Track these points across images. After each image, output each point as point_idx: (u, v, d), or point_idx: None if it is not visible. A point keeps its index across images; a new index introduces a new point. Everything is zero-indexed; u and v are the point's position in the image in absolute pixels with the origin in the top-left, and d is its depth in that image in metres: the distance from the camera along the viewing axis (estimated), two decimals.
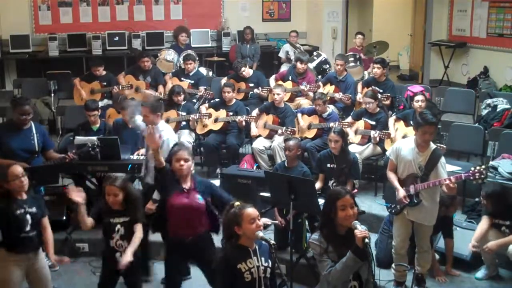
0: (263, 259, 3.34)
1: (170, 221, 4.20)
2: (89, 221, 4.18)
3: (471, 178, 4.28)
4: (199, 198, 4.15)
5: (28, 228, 4.08)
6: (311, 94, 7.53)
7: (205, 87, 7.84)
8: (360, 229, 3.10)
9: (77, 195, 4.10)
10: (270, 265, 3.34)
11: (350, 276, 3.22)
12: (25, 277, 4.20)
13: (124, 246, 4.15)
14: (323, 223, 3.32)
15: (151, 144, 4.25)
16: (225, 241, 3.38)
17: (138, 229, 4.19)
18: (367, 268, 3.19)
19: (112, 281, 4.30)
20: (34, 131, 5.42)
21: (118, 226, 4.18)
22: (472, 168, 4.34)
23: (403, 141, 4.77)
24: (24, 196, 4.13)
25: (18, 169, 4.08)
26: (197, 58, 8.58)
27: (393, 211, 4.71)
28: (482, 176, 4.25)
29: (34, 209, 4.14)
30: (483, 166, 4.32)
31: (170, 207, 4.16)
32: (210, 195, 4.23)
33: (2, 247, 4.09)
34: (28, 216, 4.09)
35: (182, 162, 4.13)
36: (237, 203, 3.45)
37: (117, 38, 10.29)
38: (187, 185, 4.19)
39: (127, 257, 4.03)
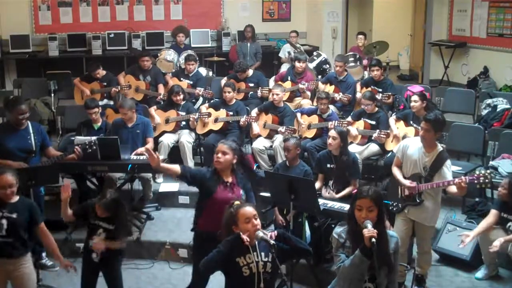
0: (263, 254, 3.35)
1: (210, 216, 4.06)
2: (70, 213, 4.28)
3: (476, 182, 4.29)
4: (242, 194, 4.10)
5: (2, 233, 3.97)
6: (308, 93, 7.54)
7: (203, 88, 7.82)
8: (369, 229, 3.11)
9: (64, 191, 4.20)
10: (270, 260, 3.34)
11: (366, 277, 3.22)
12: (9, 280, 4.15)
13: (101, 250, 4.23)
14: (348, 217, 3.33)
15: (151, 163, 4.18)
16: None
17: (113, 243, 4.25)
18: (384, 272, 3.19)
19: (91, 279, 4.35)
20: (31, 131, 5.41)
21: (101, 230, 4.24)
22: (477, 172, 4.35)
23: (411, 140, 4.79)
24: (13, 200, 4.03)
25: (4, 180, 3.96)
26: (197, 59, 8.58)
27: (394, 209, 4.71)
28: (487, 180, 4.26)
29: (14, 215, 4.00)
30: (488, 171, 4.33)
31: (214, 202, 4.06)
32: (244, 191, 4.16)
33: None
34: (4, 221, 3.97)
35: (219, 155, 4.10)
36: (237, 202, 3.46)
37: (117, 38, 10.29)
38: (228, 179, 4.14)
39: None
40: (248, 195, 4.18)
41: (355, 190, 5.59)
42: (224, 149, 4.11)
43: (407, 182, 4.53)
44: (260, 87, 7.72)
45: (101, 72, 7.77)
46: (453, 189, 4.42)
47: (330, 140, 5.49)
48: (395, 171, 4.69)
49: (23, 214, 4.05)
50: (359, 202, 3.24)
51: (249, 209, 3.35)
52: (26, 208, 4.10)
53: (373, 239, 3.05)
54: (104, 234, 4.24)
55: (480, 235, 4.92)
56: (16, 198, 4.08)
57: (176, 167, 4.21)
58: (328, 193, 5.37)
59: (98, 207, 4.23)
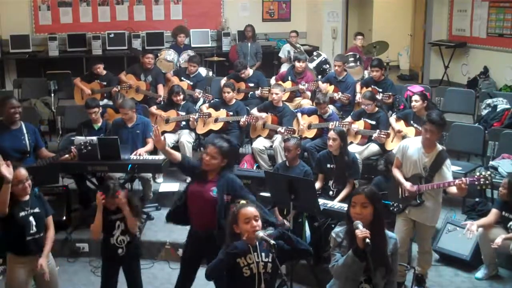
0: (263, 254, 3.35)
1: (190, 211, 4.21)
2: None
3: (476, 183, 4.30)
4: (213, 191, 4.09)
5: (33, 230, 4.02)
6: (308, 93, 7.53)
7: (202, 90, 7.82)
8: (361, 229, 3.10)
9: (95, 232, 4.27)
10: (270, 260, 3.34)
11: (361, 278, 3.21)
12: (34, 277, 4.17)
13: (126, 241, 4.27)
14: (347, 217, 3.33)
15: (156, 144, 4.27)
16: (228, 238, 3.40)
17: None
18: (380, 273, 3.19)
19: (114, 278, 4.38)
20: (24, 131, 5.41)
21: (118, 222, 4.28)
22: (478, 173, 4.36)
23: (410, 140, 4.78)
24: (27, 197, 4.05)
25: (21, 174, 3.98)
26: (200, 61, 8.55)
27: (395, 209, 4.71)
28: (487, 182, 4.26)
29: (37, 210, 4.07)
30: (488, 172, 4.34)
31: (188, 194, 4.20)
32: (232, 193, 4.12)
33: (9, 250, 4.07)
34: (32, 218, 4.02)
35: (207, 158, 4.10)
36: (243, 201, 3.47)
37: (117, 38, 10.29)
38: (210, 177, 4.17)
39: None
40: (239, 197, 4.03)
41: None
42: (214, 153, 4.10)
43: (408, 185, 4.52)
44: (260, 87, 7.73)
45: (102, 69, 7.76)
46: (453, 190, 4.42)
47: (330, 142, 5.49)
48: (396, 172, 4.68)
49: (41, 206, 4.12)
50: (353, 198, 3.25)
51: (250, 210, 3.35)
52: (39, 200, 4.18)
53: (367, 240, 3.04)
54: (123, 223, 4.28)
55: (480, 235, 4.93)
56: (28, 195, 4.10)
57: (178, 154, 4.30)
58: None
59: (111, 202, 4.23)
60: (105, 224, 4.25)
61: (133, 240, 4.36)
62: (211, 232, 4.08)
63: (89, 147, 5.44)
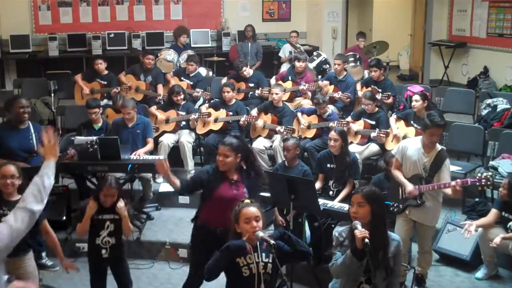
0: (263, 255, 3.34)
1: (212, 211, 4.12)
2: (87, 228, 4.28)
3: (477, 184, 4.30)
4: (246, 193, 4.11)
5: None
6: (309, 93, 7.54)
7: (202, 89, 7.82)
8: (360, 229, 3.09)
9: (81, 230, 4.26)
10: (270, 261, 3.33)
11: (362, 278, 3.21)
12: None
13: (111, 243, 4.25)
14: (350, 217, 3.32)
15: (160, 171, 4.25)
16: (230, 238, 3.39)
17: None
18: (381, 275, 3.18)
19: (101, 277, 4.37)
20: (32, 131, 5.43)
21: (108, 222, 4.25)
22: (479, 174, 4.35)
23: (410, 141, 4.78)
24: (14, 198, 3.98)
25: (7, 169, 3.94)
26: (198, 61, 8.56)
27: (395, 210, 4.70)
28: (488, 183, 4.26)
29: None
30: (490, 173, 4.34)
31: (218, 198, 4.09)
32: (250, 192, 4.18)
33: None
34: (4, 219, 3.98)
35: (221, 158, 4.10)
36: (247, 200, 3.46)
37: (117, 38, 10.29)
38: (233, 177, 4.16)
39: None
40: (249, 192, 4.16)
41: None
42: (225, 151, 4.10)
43: (410, 187, 4.50)
44: (260, 87, 7.72)
45: (103, 67, 7.75)
46: (448, 191, 4.41)
47: (332, 142, 5.48)
48: (396, 173, 4.67)
49: None
50: (352, 198, 3.27)
51: (252, 210, 3.32)
52: None
53: (366, 240, 3.04)
54: (113, 225, 4.25)
55: (479, 235, 4.94)
56: (18, 197, 4.02)
57: (178, 184, 4.24)
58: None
59: (107, 194, 4.19)
60: (94, 222, 4.22)
61: (118, 243, 4.31)
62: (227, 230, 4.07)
63: (95, 146, 5.46)
